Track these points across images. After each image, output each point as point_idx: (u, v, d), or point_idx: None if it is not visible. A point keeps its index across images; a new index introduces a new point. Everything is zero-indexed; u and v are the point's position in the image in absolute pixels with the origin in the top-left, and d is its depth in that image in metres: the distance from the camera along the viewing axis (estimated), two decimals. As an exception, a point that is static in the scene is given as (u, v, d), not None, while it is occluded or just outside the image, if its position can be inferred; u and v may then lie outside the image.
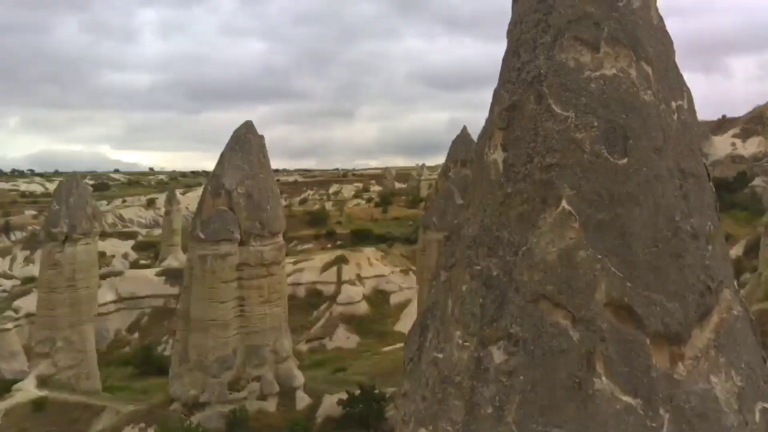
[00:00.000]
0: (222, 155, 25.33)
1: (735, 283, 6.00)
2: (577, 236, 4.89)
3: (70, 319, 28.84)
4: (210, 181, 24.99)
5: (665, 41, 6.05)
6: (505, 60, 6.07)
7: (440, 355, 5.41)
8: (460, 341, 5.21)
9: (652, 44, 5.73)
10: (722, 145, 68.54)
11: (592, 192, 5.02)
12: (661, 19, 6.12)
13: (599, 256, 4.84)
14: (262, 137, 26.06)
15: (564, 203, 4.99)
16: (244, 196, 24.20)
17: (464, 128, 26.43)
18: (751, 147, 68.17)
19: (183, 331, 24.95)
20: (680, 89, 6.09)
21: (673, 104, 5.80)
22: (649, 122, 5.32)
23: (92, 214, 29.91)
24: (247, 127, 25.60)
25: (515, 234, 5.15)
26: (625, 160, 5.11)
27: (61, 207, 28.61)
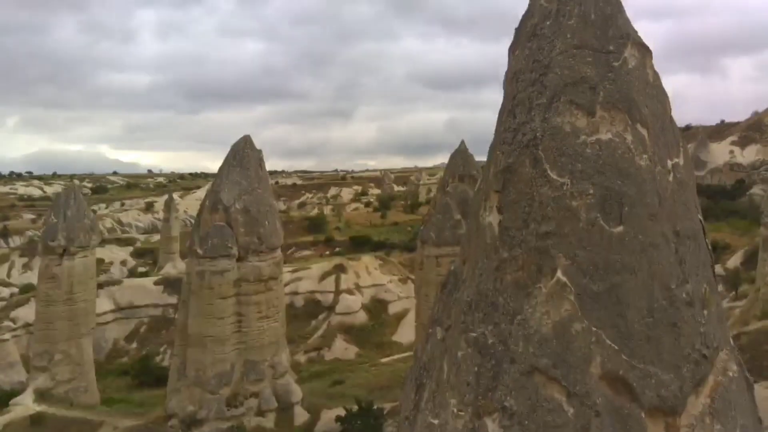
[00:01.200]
0: (220, 170, 25.30)
1: (731, 341, 6.02)
2: (572, 308, 4.88)
3: (68, 332, 28.75)
4: (208, 196, 24.96)
5: (661, 98, 6.05)
6: (500, 118, 6.07)
7: (435, 421, 5.41)
8: (455, 410, 5.20)
9: (648, 104, 5.74)
10: (720, 153, 68.62)
11: (588, 261, 5.02)
12: (656, 75, 6.13)
13: (594, 329, 4.84)
14: (260, 151, 26.05)
15: (559, 273, 4.99)
16: (241, 212, 24.15)
17: (462, 142, 26.43)
18: (749, 155, 68.22)
19: (181, 346, 24.90)
20: (676, 145, 6.10)
21: (669, 163, 5.80)
22: (644, 188, 5.31)
23: (90, 227, 29.84)
24: (246, 142, 25.56)
25: (510, 301, 5.15)
26: (620, 228, 5.11)
27: (59, 220, 28.53)
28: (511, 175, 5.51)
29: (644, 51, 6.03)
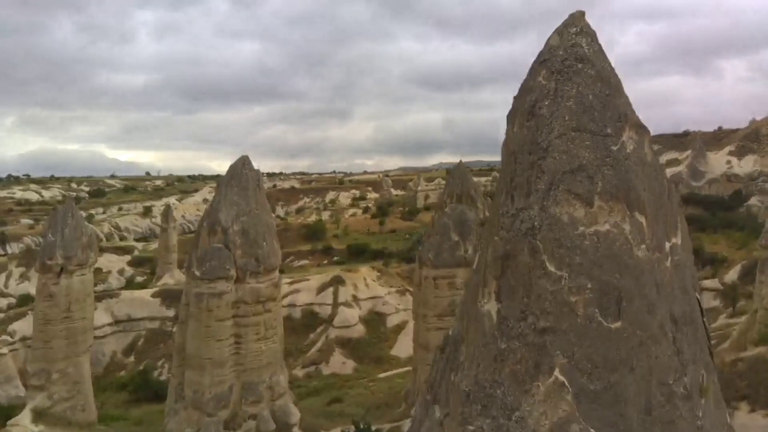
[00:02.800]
0: (217, 190, 25.32)
1: (729, 418, 6.04)
2: (570, 409, 4.89)
3: (65, 350, 28.63)
4: (206, 217, 24.95)
5: (659, 176, 6.07)
6: (498, 198, 6.07)
7: None
8: (454, 503, 5.23)
9: (646, 186, 5.75)
10: (718, 163, 68.73)
11: (586, 359, 5.02)
12: (654, 154, 6.14)
13: (592, 430, 4.85)
14: (258, 171, 26.08)
15: (557, 372, 4.99)
16: (239, 234, 24.12)
17: (460, 162, 26.53)
18: (746, 165, 68.35)
19: (179, 367, 24.85)
20: (674, 222, 6.12)
21: (667, 246, 5.82)
22: (642, 280, 5.32)
23: (87, 243, 29.77)
24: (244, 162, 25.55)
25: (509, 394, 5.15)
26: (618, 324, 5.11)
27: (56, 238, 28.43)
28: (509, 262, 5.51)
29: (642, 131, 6.05)
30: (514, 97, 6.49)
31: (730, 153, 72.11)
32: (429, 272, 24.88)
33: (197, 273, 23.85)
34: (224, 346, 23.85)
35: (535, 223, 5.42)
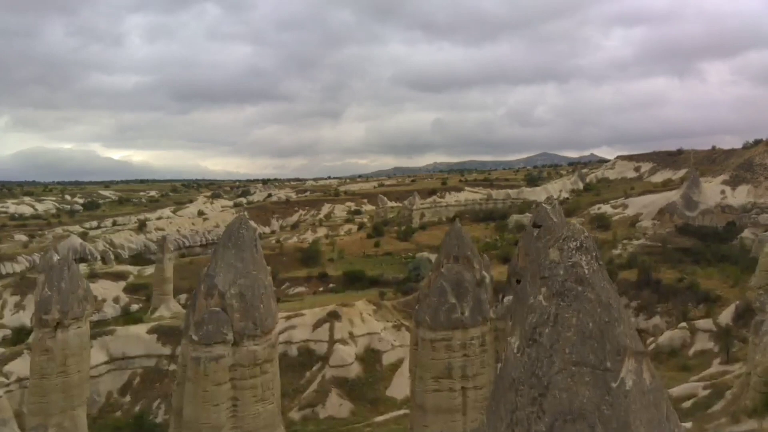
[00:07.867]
0: (215, 252, 25.30)
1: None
2: None
3: (62, 404, 28.62)
4: (203, 280, 24.95)
5: (657, 401, 6.20)
6: (498, 425, 6.20)
7: None
8: None
9: (644, 419, 5.89)
10: (712, 193, 68.88)
11: None
12: (653, 377, 6.27)
13: None
14: (255, 230, 26.12)
15: None
16: (237, 297, 24.13)
17: (457, 222, 26.67)
18: (740, 196, 68.56)
19: (176, 429, 24.85)
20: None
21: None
22: None
23: (84, 296, 29.80)
24: (240, 222, 25.62)
25: None
26: None
27: (53, 293, 28.44)
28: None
29: (640, 357, 6.19)
30: (514, 302, 6.64)
31: (724, 182, 72.42)
32: (426, 334, 24.94)
33: (195, 337, 23.84)
34: (221, 410, 23.81)
35: (537, 472, 5.55)
